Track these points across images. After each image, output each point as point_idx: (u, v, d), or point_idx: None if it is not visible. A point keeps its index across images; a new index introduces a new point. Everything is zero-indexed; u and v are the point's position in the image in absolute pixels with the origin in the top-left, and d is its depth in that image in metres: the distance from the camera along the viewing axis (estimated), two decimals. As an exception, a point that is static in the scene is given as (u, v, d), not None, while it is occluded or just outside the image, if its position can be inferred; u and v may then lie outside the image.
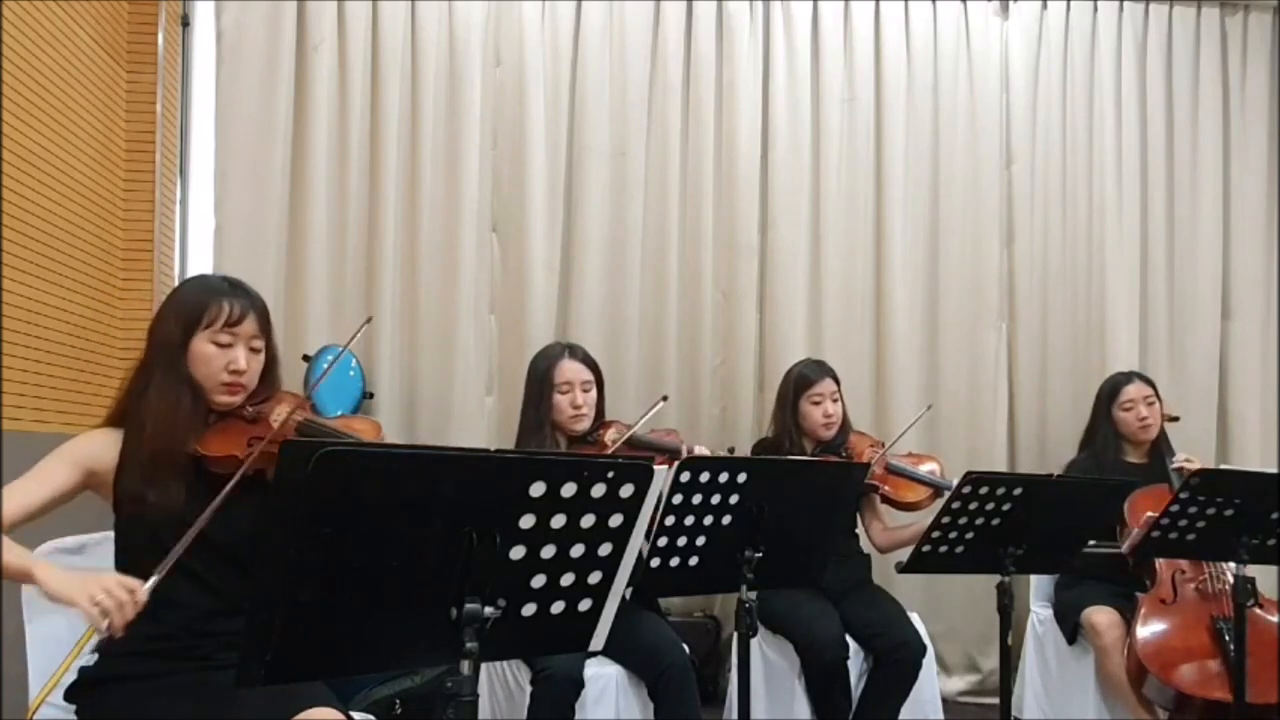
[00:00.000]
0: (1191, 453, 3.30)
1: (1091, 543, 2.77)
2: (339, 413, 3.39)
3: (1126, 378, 3.35)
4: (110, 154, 3.42)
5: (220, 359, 1.76)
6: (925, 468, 2.97)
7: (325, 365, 3.47)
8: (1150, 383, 3.34)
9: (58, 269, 3.05)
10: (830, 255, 3.95)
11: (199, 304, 1.77)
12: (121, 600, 1.47)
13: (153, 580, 1.53)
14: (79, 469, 1.72)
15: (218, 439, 1.77)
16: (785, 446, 3.07)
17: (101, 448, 1.75)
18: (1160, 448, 3.29)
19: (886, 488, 2.92)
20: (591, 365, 2.83)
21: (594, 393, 2.81)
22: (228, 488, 1.60)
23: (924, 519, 2.58)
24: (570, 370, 2.77)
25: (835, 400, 3.07)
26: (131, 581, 1.51)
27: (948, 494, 2.71)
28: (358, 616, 1.20)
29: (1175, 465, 3.16)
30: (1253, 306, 4.14)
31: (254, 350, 1.81)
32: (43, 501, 1.68)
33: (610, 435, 2.80)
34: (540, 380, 2.78)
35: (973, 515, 2.20)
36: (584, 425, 2.78)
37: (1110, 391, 3.34)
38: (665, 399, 2.93)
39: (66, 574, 1.54)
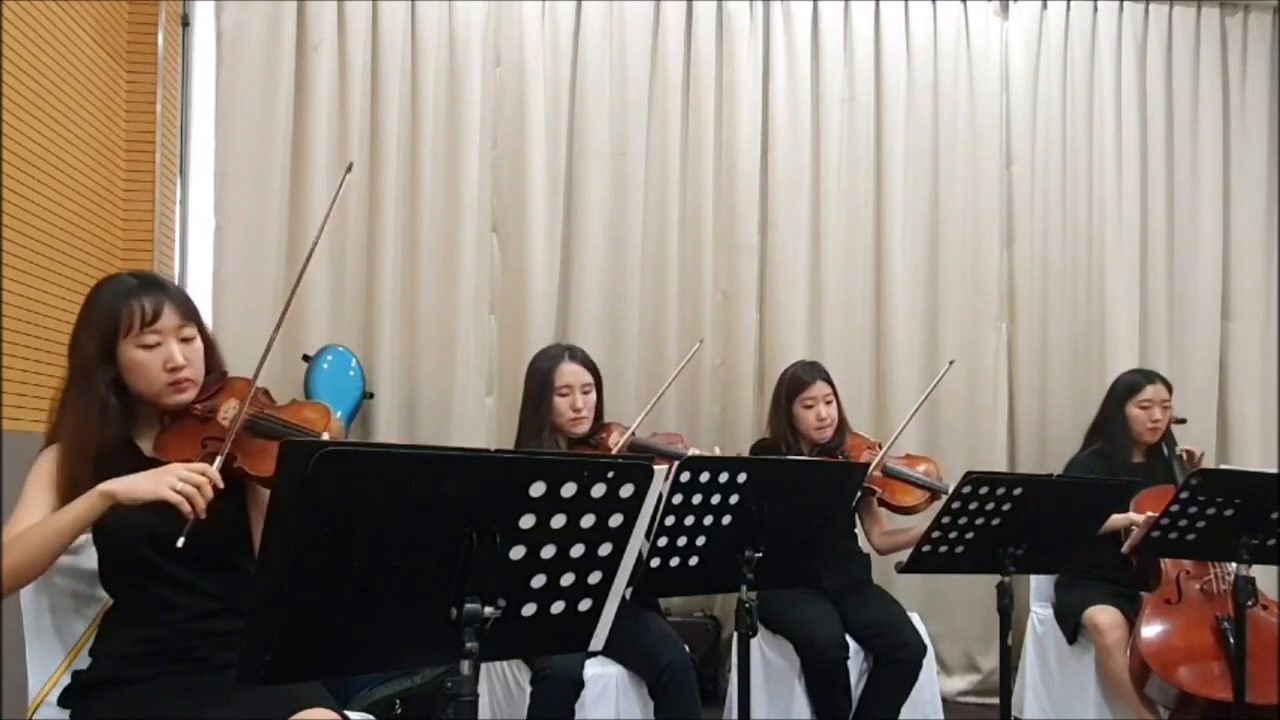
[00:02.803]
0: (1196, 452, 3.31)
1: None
2: (336, 412, 3.40)
3: (1149, 377, 3.32)
4: (110, 154, 3.42)
5: (155, 360, 1.69)
6: (921, 469, 2.96)
7: (324, 363, 3.48)
8: (1169, 387, 3.31)
9: (58, 269, 3.05)
10: (830, 255, 3.95)
11: (111, 313, 1.69)
12: (198, 483, 1.55)
13: (218, 462, 1.60)
14: (54, 492, 1.68)
15: (172, 443, 1.73)
16: (782, 449, 3.07)
17: (54, 468, 1.70)
18: (1163, 447, 3.29)
19: (883, 491, 2.91)
20: (591, 367, 2.84)
21: (594, 395, 2.82)
22: (230, 437, 1.64)
23: (922, 522, 2.58)
24: (570, 373, 2.78)
25: (829, 403, 3.05)
26: (196, 465, 1.58)
27: (945, 497, 2.72)
28: (358, 616, 1.20)
29: (1179, 453, 3.18)
30: (1253, 306, 4.14)
31: (185, 340, 1.73)
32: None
33: (614, 439, 2.81)
34: (541, 382, 2.79)
35: (973, 515, 2.20)
36: (583, 428, 2.79)
37: (1128, 388, 3.32)
38: (701, 341, 3.03)
39: (135, 478, 1.58)
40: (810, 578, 2.18)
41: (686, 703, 2.45)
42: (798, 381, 3.07)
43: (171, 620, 1.71)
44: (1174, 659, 2.74)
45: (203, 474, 1.56)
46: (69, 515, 1.57)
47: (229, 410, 1.75)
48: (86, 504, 1.57)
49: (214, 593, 1.73)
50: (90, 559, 1.90)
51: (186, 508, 1.54)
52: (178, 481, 1.54)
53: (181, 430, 1.75)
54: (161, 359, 1.70)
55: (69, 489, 1.66)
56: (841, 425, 3.11)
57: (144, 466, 1.71)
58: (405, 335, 3.74)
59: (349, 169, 1.86)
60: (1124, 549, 2.82)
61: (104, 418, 1.68)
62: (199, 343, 1.76)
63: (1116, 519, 2.80)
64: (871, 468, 2.87)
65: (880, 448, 3.01)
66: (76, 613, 1.89)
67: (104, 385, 1.69)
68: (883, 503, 2.93)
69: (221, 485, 1.59)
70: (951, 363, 3.12)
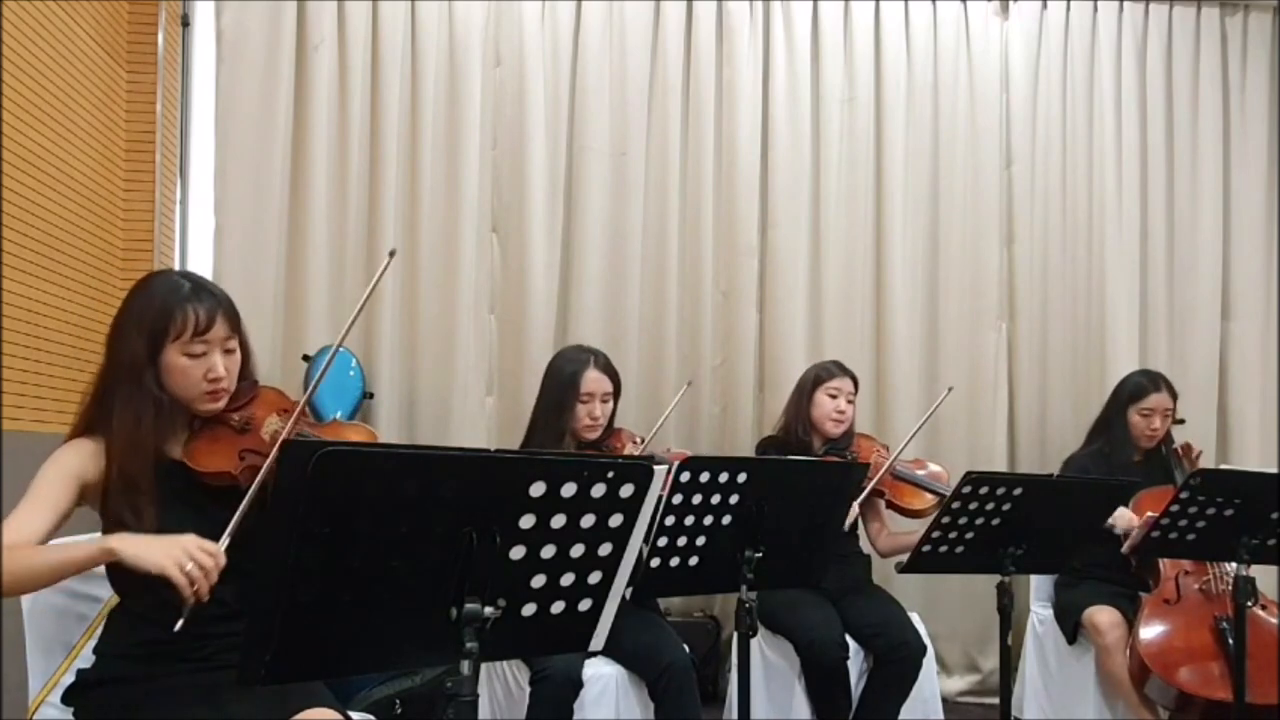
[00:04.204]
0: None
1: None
2: (337, 413, 3.40)
3: (1155, 384, 3.26)
4: (110, 154, 3.42)
5: (197, 369, 1.69)
6: (929, 473, 2.97)
7: (324, 363, 3.48)
8: (1174, 395, 3.27)
9: (58, 269, 3.06)
10: (830, 255, 3.95)
11: (163, 315, 1.68)
12: (207, 566, 1.49)
13: (224, 541, 1.55)
14: (74, 484, 1.66)
15: (207, 452, 1.71)
16: (795, 437, 3.08)
17: (88, 458, 1.68)
18: (1161, 447, 3.29)
19: (891, 494, 2.92)
20: (613, 376, 2.83)
21: (611, 404, 2.82)
22: (242, 507, 1.58)
23: (926, 526, 2.58)
24: (595, 381, 2.76)
25: (850, 402, 3.09)
26: (209, 545, 1.52)
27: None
28: (358, 616, 1.20)
29: (1175, 448, 3.19)
30: (1253, 307, 4.14)
31: (228, 352, 1.74)
32: (51, 526, 1.63)
33: (627, 450, 2.82)
34: (564, 386, 2.75)
35: (973, 515, 2.20)
36: (596, 435, 2.79)
37: (1134, 392, 3.27)
38: (689, 384, 3.18)
39: (147, 542, 1.53)
40: (810, 578, 2.18)
41: (686, 703, 2.45)
42: (827, 371, 3.12)
43: (176, 621, 1.70)
44: (1173, 659, 2.73)
45: (213, 556, 1.51)
46: (68, 556, 1.55)
47: (272, 424, 1.75)
48: (89, 553, 1.54)
49: (225, 598, 1.69)
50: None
51: (189, 591, 1.48)
52: (188, 561, 1.49)
53: (215, 436, 1.74)
54: (204, 368, 1.70)
55: (125, 487, 1.65)
56: (851, 429, 3.13)
57: (171, 471, 1.71)
58: (405, 335, 3.74)
59: (392, 254, 1.84)
60: (1124, 549, 2.82)
61: (159, 416, 1.69)
62: (239, 354, 1.77)
63: (1120, 516, 2.80)
64: (882, 470, 2.89)
65: (889, 451, 3.02)
66: (77, 612, 1.89)
67: (155, 384, 1.69)
68: (891, 505, 2.94)
69: (224, 564, 1.54)
70: (950, 389, 3.17)
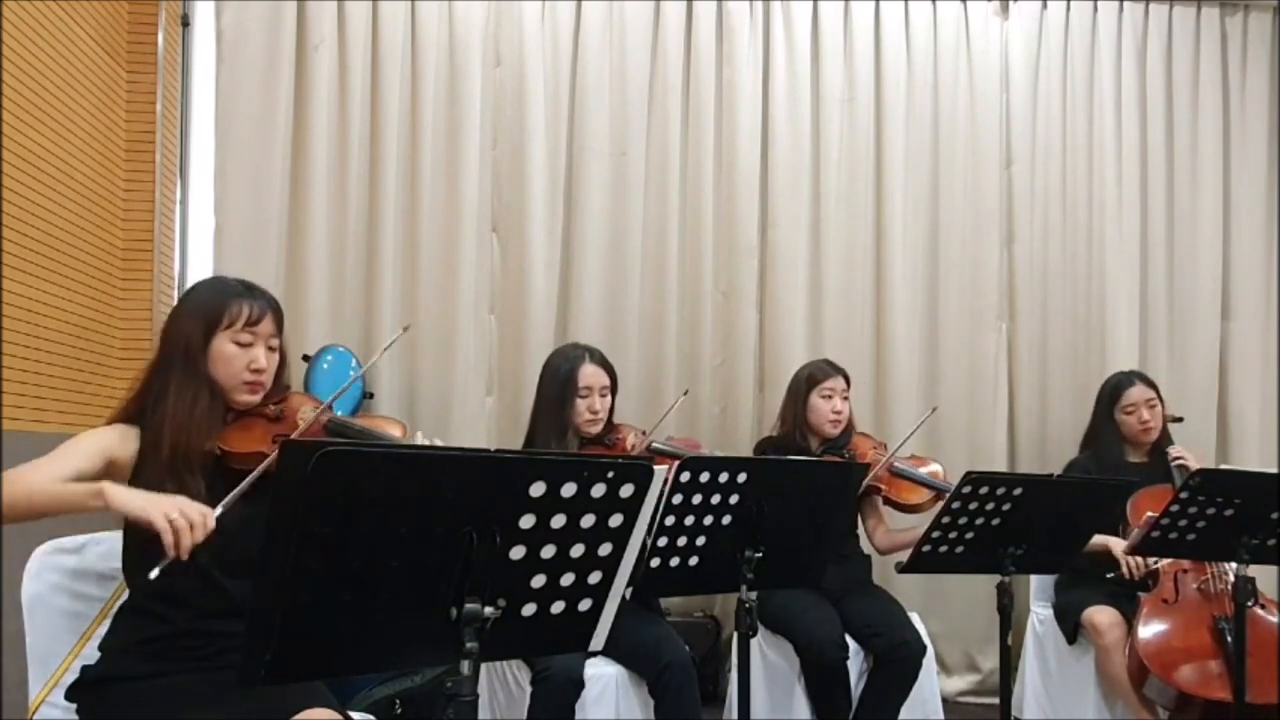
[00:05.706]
0: (1191, 452, 3.30)
1: (1110, 575, 2.83)
2: (339, 414, 3.40)
3: (1129, 379, 3.32)
4: (110, 154, 3.42)
5: (241, 358, 1.79)
6: (926, 470, 2.97)
7: (324, 363, 3.48)
8: (1152, 385, 3.32)
9: (58, 269, 3.06)
10: (830, 255, 3.95)
11: (219, 304, 1.79)
12: (193, 521, 1.51)
13: (219, 510, 1.56)
14: (101, 457, 1.70)
15: (241, 436, 1.78)
16: (792, 441, 3.08)
17: (120, 441, 1.74)
18: (1162, 447, 3.29)
19: (889, 490, 2.92)
20: (609, 369, 2.85)
21: (610, 398, 2.83)
22: (258, 470, 1.62)
23: (925, 522, 2.59)
24: (592, 375, 2.78)
25: (845, 399, 3.10)
26: (201, 505, 1.55)
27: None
28: (358, 616, 1.20)
29: (1173, 460, 3.18)
30: (1253, 306, 4.14)
31: (271, 349, 1.84)
32: (69, 476, 1.65)
33: (631, 440, 2.82)
34: (563, 382, 2.78)
35: (973, 515, 2.20)
36: (597, 429, 2.80)
37: (1112, 393, 3.33)
38: (686, 393, 3.15)
39: (138, 492, 1.58)
40: (810, 578, 2.18)
41: (686, 703, 2.45)
42: (820, 372, 3.11)
43: (185, 618, 1.71)
44: (1172, 659, 2.73)
45: (202, 515, 1.53)
46: (64, 490, 1.59)
47: (306, 413, 1.84)
48: (84, 491, 1.58)
49: (234, 595, 1.73)
50: (89, 558, 1.91)
51: (169, 538, 1.49)
52: (175, 511, 1.51)
53: (250, 425, 1.81)
54: (248, 359, 1.80)
55: (176, 465, 1.69)
56: (849, 426, 3.13)
57: (206, 460, 1.75)
58: (405, 335, 3.74)
59: (405, 329, 2.01)
60: (1124, 549, 2.82)
61: (212, 402, 1.77)
62: (278, 356, 1.87)
63: (1096, 541, 2.79)
64: (878, 469, 2.88)
65: (886, 448, 3.02)
66: (78, 612, 1.89)
67: (206, 369, 1.77)
68: (888, 501, 2.95)
69: (214, 532, 1.54)
70: (934, 409, 3.27)
